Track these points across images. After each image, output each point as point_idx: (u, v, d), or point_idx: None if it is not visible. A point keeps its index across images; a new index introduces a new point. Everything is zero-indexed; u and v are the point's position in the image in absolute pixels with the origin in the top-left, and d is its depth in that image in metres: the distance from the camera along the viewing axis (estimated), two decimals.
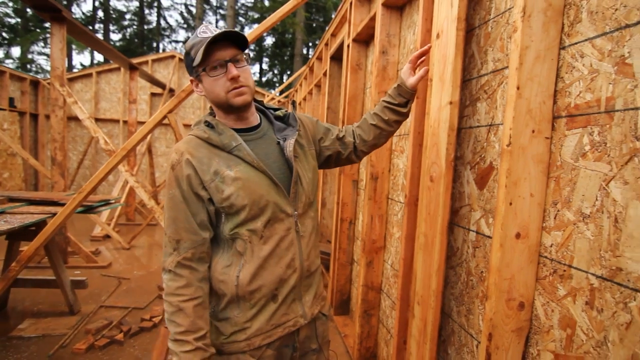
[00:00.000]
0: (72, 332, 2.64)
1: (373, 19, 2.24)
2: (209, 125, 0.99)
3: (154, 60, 9.04)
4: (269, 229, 0.98)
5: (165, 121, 2.19)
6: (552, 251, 0.92)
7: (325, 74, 3.92)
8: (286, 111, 1.12)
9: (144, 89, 8.92)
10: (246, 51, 1.00)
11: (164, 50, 21.53)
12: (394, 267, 2.01)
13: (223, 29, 0.94)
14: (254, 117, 1.06)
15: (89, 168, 8.83)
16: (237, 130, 1.01)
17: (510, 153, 0.92)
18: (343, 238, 2.86)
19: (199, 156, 0.95)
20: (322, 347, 1.15)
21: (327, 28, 3.72)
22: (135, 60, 8.60)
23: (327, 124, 1.26)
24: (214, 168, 0.94)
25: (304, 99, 5.75)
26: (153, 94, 9.00)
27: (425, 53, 1.21)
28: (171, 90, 8.43)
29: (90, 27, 18.87)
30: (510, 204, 0.93)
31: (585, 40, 0.85)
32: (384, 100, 1.21)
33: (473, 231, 1.24)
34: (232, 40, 0.96)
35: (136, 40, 20.38)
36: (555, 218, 0.92)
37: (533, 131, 0.93)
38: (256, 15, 19.67)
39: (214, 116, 1.05)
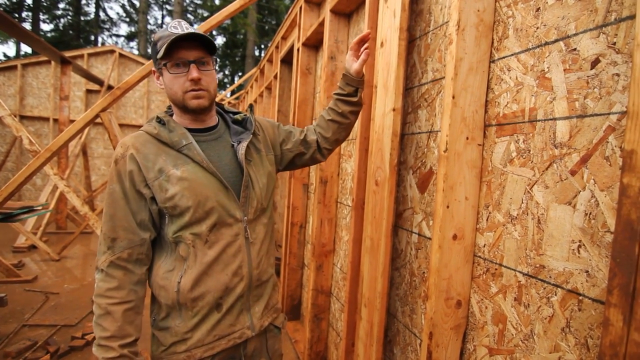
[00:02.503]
0: None
1: (322, 24, 2.26)
2: (160, 121, 0.96)
3: (90, 55, 8.38)
4: (215, 233, 0.94)
5: (99, 120, 2.00)
6: (485, 251, 0.98)
7: (276, 77, 3.89)
8: (245, 115, 1.10)
9: (79, 85, 8.22)
10: (214, 56, 0.99)
11: (103, 44, 20.03)
12: (343, 271, 2.03)
13: (193, 30, 0.92)
14: (212, 119, 1.04)
15: (12, 171, 7.93)
16: (192, 130, 0.98)
17: (447, 159, 0.97)
18: (294, 242, 2.84)
19: (145, 152, 0.91)
20: None
21: (277, 31, 3.70)
22: (68, 54, 7.90)
23: (290, 126, 1.24)
24: (159, 165, 0.91)
25: (255, 101, 5.66)
26: (89, 91, 8.33)
27: (366, 38, 1.17)
28: (110, 88, 7.86)
29: (16, 15, 17.01)
30: (448, 206, 0.98)
31: (512, 55, 0.92)
32: (335, 93, 1.21)
33: (415, 233, 1.28)
34: (200, 41, 0.93)
35: (71, 32, 18.73)
36: (487, 220, 0.98)
37: (467, 138, 0.98)
38: (205, 13, 19.05)
39: (171, 114, 1.02)
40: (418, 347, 1.23)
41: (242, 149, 0.99)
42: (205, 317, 0.95)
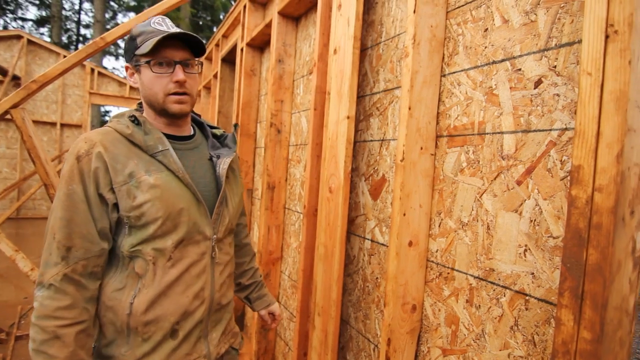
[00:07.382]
0: None
1: (269, 25, 2.21)
2: (135, 121, 0.87)
3: None
4: (181, 250, 0.86)
5: (8, 116, 1.69)
6: (438, 256, 1.02)
7: (215, 76, 3.72)
8: (224, 132, 1.06)
9: None
10: (199, 58, 0.93)
11: (6, 27, 17.42)
12: (291, 278, 2.00)
13: (179, 29, 0.86)
14: (188, 128, 0.98)
15: None
16: (167, 137, 0.91)
17: (404, 168, 0.99)
18: None
19: (115, 152, 0.82)
20: None
21: (218, 28, 3.54)
22: None
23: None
24: (129, 169, 0.82)
25: None
26: None
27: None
28: (16, 78, 6.86)
29: None
30: (404, 214, 1.01)
31: (462, 70, 0.98)
32: (248, 284, 1.20)
33: (368, 239, 1.30)
34: (187, 42, 0.89)
35: None
36: (439, 226, 1.02)
37: (421, 148, 1.02)
38: (132, 3, 17.62)
39: (142, 112, 0.93)
40: (372, 352, 1.25)
41: (224, 164, 0.95)
42: (157, 345, 0.85)
